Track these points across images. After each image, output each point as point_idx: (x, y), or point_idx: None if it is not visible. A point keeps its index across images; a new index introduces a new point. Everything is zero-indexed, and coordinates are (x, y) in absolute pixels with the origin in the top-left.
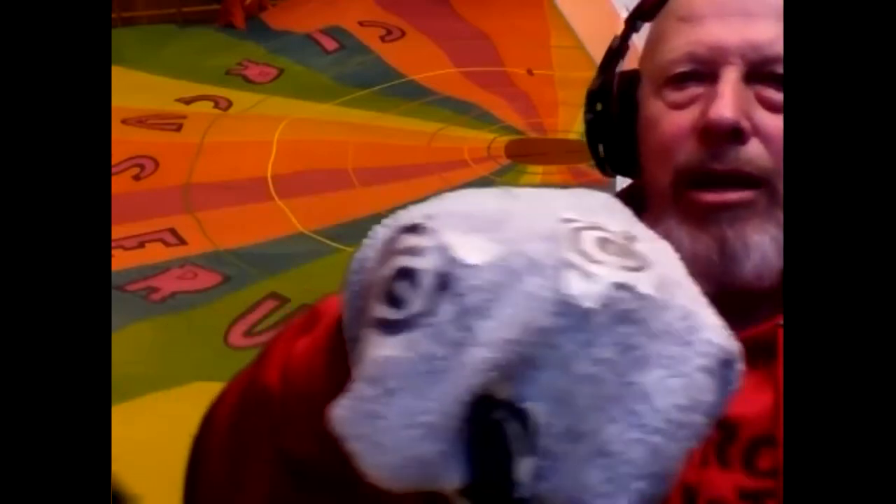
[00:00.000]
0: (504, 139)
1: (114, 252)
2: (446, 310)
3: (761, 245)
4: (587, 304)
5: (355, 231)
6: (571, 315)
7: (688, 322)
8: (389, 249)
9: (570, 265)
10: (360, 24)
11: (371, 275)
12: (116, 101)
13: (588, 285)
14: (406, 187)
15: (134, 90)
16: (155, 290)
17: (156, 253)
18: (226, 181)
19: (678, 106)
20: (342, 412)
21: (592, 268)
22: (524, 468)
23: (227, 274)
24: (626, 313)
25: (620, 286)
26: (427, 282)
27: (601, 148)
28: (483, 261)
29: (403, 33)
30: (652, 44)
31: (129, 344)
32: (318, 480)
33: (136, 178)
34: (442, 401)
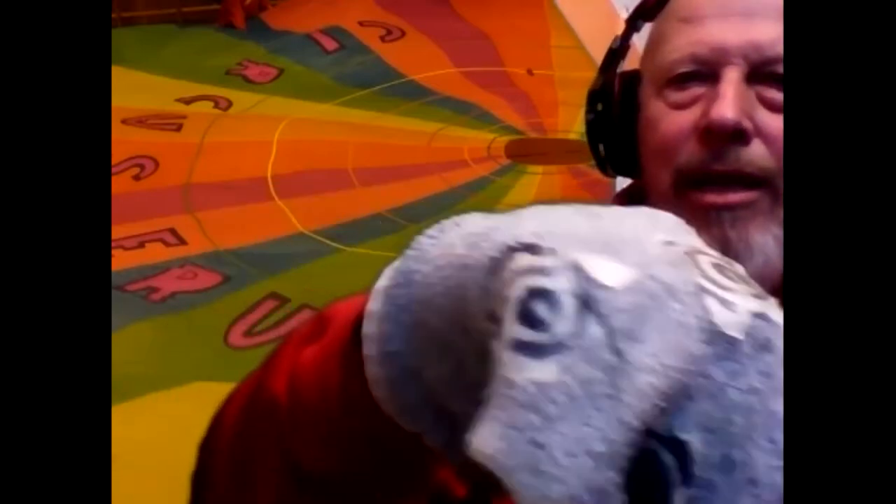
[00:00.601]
0: (504, 139)
1: (114, 252)
2: (595, 331)
3: (764, 246)
4: (732, 332)
5: (355, 231)
6: (719, 343)
7: None
8: (500, 268)
9: (708, 292)
10: (360, 24)
11: (427, 290)
12: (116, 101)
13: (730, 314)
14: (406, 187)
15: (134, 90)
16: (155, 290)
17: (156, 253)
18: (226, 181)
19: (679, 106)
20: (499, 443)
21: (728, 295)
22: (680, 500)
23: (227, 274)
24: (766, 342)
25: (758, 315)
26: (567, 302)
27: (602, 148)
28: (621, 283)
29: (403, 33)
30: (653, 44)
31: (129, 344)
32: (325, 488)
33: (136, 178)
34: (609, 428)
